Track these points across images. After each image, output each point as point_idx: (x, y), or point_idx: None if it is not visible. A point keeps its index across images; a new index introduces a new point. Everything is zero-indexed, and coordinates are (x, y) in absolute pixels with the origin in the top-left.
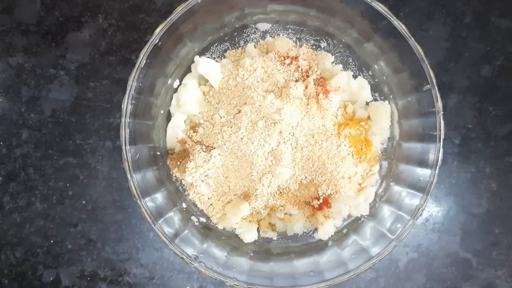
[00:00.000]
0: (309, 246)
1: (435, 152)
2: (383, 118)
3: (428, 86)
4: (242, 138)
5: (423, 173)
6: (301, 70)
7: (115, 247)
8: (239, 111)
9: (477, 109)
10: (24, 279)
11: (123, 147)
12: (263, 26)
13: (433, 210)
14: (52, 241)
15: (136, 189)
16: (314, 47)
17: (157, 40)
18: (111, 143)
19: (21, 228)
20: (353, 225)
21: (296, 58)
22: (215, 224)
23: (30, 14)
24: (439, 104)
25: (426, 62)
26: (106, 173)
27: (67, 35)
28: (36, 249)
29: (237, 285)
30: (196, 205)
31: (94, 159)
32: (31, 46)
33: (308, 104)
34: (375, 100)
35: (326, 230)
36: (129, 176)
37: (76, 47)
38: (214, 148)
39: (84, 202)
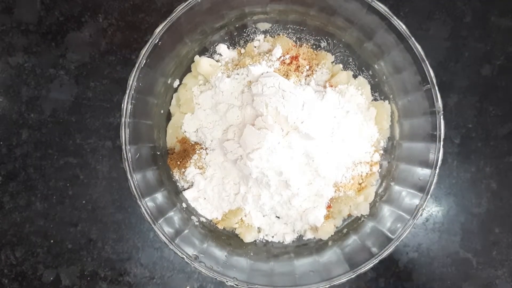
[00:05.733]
0: (309, 245)
1: (435, 152)
2: (383, 118)
3: (428, 85)
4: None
5: (423, 172)
6: (301, 69)
7: (115, 247)
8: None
9: (477, 109)
10: (24, 279)
11: (123, 147)
12: (263, 26)
13: (433, 209)
14: (52, 241)
15: (136, 189)
16: (314, 46)
17: (157, 40)
18: (111, 143)
19: (21, 228)
20: (353, 224)
21: (296, 57)
22: (215, 224)
23: (30, 14)
24: (439, 104)
25: (426, 62)
26: (106, 173)
27: (67, 35)
28: (36, 249)
29: (237, 285)
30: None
31: (94, 159)
32: (31, 46)
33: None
34: (375, 100)
35: (326, 229)
36: (129, 176)
37: (76, 46)
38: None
39: (84, 202)
